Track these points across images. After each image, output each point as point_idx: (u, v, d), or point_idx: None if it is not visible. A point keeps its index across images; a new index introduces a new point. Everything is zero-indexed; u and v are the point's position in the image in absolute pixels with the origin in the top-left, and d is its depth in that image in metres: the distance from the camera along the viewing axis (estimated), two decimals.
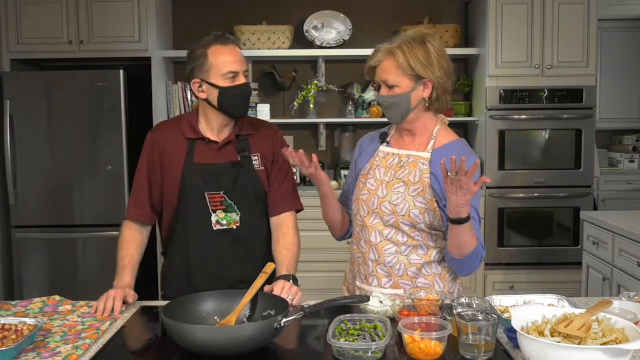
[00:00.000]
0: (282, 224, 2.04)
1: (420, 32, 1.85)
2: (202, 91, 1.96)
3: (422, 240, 1.87)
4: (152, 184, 2.03)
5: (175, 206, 2.01)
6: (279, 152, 2.03)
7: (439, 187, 1.82)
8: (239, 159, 2.01)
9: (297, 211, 2.10)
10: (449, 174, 1.63)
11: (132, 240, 2.02)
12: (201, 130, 2.02)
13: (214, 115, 1.99)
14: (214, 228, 1.99)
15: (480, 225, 1.88)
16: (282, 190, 2.06)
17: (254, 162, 2.03)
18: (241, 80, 1.95)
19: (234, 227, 2.00)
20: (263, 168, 2.04)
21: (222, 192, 1.98)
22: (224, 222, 1.99)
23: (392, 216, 1.86)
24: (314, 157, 1.85)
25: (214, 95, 1.94)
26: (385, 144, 1.97)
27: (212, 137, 2.02)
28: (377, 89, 1.90)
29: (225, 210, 1.99)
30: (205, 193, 1.98)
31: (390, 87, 1.83)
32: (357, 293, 1.97)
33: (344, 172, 4.37)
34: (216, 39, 1.94)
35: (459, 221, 1.71)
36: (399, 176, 1.88)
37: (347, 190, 2.07)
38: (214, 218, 1.99)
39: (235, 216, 2.00)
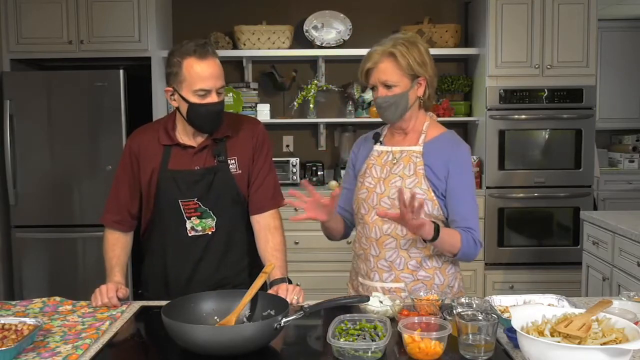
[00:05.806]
0: (270, 224, 2.01)
1: (410, 35, 1.94)
2: (174, 100, 1.91)
3: None
4: (130, 191, 2.02)
5: (151, 212, 2.00)
6: (259, 147, 2.02)
7: (434, 177, 1.90)
8: (215, 163, 1.97)
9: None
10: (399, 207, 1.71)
11: (116, 243, 2.02)
12: (177, 135, 1.98)
13: (187, 124, 1.95)
14: (189, 235, 1.97)
15: (477, 207, 1.93)
16: (264, 187, 2.02)
17: (230, 166, 1.98)
18: (212, 99, 1.87)
19: (209, 233, 1.98)
20: (240, 172, 1.99)
21: (195, 198, 1.95)
22: (199, 228, 1.97)
23: (391, 210, 1.88)
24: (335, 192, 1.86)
25: (184, 108, 1.89)
26: (378, 143, 2.04)
27: (189, 142, 1.98)
28: (372, 90, 1.95)
29: (200, 217, 1.96)
30: (179, 200, 1.95)
31: (389, 87, 1.89)
32: (360, 289, 2.01)
33: (344, 172, 4.35)
34: (195, 50, 1.84)
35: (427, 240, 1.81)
36: (395, 171, 1.94)
37: (347, 193, 2.11)
38: (188, 225, 1.96)
39: (210, 222, 1.97)
